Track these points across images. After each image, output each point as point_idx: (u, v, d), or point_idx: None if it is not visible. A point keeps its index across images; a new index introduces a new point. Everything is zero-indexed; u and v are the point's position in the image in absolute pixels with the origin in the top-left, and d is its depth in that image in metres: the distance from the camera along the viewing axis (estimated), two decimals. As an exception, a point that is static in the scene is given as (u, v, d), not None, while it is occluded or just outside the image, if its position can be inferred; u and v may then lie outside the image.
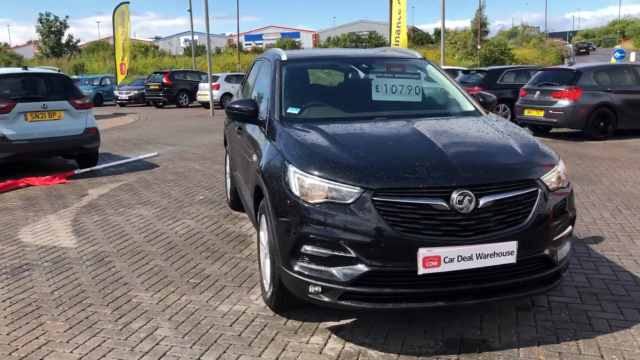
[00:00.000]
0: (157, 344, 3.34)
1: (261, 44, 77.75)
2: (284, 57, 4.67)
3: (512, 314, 3.63)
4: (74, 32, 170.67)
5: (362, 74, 4.73)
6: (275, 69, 4.50)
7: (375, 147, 3.44)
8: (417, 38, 72.61)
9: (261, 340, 3.35)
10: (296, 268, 3.20)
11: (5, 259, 4.93)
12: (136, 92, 28.10)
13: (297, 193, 3.21)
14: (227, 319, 3.64)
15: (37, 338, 3.44)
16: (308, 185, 3.18)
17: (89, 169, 9.17)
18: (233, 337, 3.41)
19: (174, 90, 26.41)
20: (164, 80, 26.23)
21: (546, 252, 3.27)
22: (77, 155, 9.38)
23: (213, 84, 25.54)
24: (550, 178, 3.36)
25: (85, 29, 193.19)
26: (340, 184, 3.11)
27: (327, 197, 3.13)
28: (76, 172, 8.94)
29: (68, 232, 5.70)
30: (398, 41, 20.50)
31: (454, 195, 3.04)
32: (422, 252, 2.98)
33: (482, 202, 3.07)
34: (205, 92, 25.25)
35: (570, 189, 3.54)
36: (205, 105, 25.54)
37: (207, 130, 15.58)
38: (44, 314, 3.79)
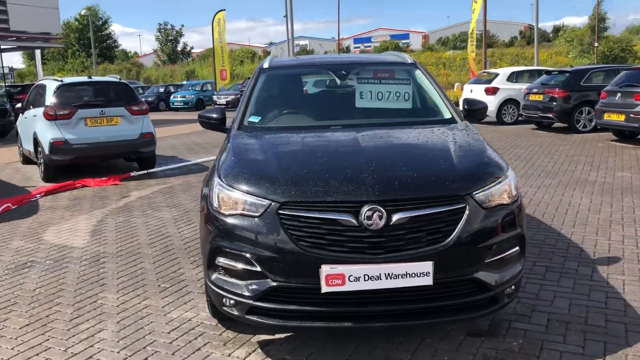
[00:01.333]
0: (91, 346, 3.44)
1: (369, 46, 77.89)
2: (265, 65, 4.65)
3: (458, 339, 3.35)
4: (196, 39, 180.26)
5: (343, 81, 4.59)
6: (253, 77, 4.51)
7: (303, 158, 3.32)
8: (532, 37, 69.15)
9: (187, 350, 3.35)
10: (213, 279, 3.17)
11: (18, 255, 5.32)
12: (233, 97, 29.28)
13: (215, 204, 3.17)
14: (169, 326, 3.67)
15: (-8, 333, 3.68)
16: (225, 197, 3.13)
17: (144, 172, 9.67)
18: (163, 344, 3.44)
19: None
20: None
21: (477, 275, 2.99)
22: (136, 158, 9.93)
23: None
24: (488, 193, 3.07)
25: (208, 36, 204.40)
26: (252, 196, 3.04)
27: (240, 210, 3.07)
28: (132, 174, 9.46)
29: (86, 232, 6.04)
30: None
31: (363, 211, 2.86)
32: (325, 270, 2.83)
33: (394, 218, 2.86)
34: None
35: (518, 205, 3.22)
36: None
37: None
38: (14, 310, 4.03)
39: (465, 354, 3.19)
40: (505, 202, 3.13)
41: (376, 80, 4.47)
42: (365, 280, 2.83)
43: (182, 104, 30.91)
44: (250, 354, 3.28)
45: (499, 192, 3.12)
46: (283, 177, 3.07)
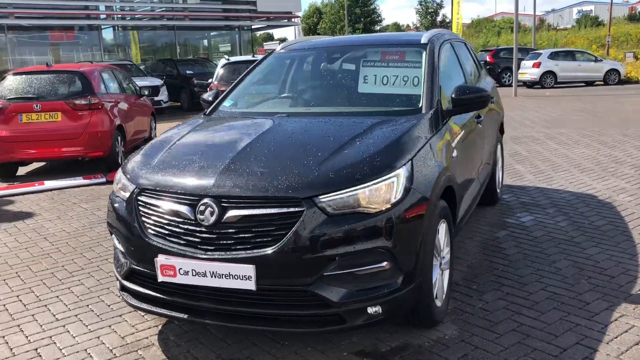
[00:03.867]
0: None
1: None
2: (278, 48, 4.65)
3: (340, 356, 3.06)
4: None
5: (346, 65, 4.33)
6: (259, 62, 4.56)
7: (185, 148, 3.33)
8: None
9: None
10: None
11: None
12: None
13: (114, 185, 3.40)
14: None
15: None
16: (116, 176, 3.36)
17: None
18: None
19: (496, 68, 25.64)
20: (487, 59, 25.69)
21: (312, 288, 2.70)
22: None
23: (534, 61, 24.00)
24: (340, 198, 2.72)
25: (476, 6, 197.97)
26: (126, 180, 3.20)
27: (118, 191, 3.25)
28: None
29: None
30: None
31: (199, 205, 2.82)
32: (160, 259, 2.87)
33: (226, 216, 2.76)
34: (525, 70, 23.85)
35: (398, 214, 2.77)
36: (527, 84, 24.14)
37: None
38: None
39: (324, 370, 2.92)
40: (369, 210, 2.74)
41: (382, 64, 4.15)
42: (192, 275, 2.80)
43: None
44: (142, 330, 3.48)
45: (360, 198, 2.74)
46: (151, 164, 3.17)
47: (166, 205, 2.93)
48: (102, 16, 24.54)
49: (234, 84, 4.39)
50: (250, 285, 2.70)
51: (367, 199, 2.76)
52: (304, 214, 2.69)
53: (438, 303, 3.29)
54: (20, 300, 3.96)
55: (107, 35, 26.89)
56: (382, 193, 2.79)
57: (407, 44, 4.27)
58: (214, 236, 2.78)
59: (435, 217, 3.10)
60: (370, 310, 2.78)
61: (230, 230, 2.76)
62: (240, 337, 3.27)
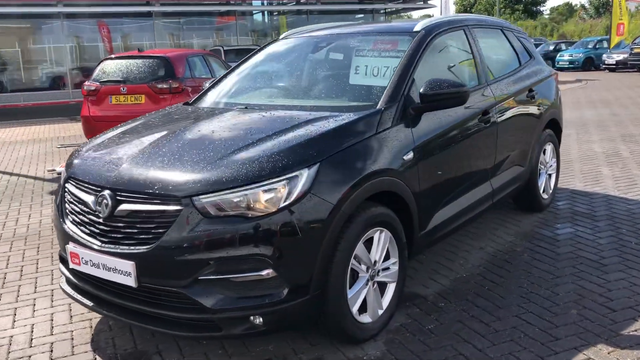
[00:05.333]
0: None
1: None
2: (282, 36, 4.52)
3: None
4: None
5: (334, 54, 4.07)
6: (258, 50, 4.48)
7: (130, 137, 3.32)
8: None
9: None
10: None
11: None
12: (623, 56, 25.41)
13: None
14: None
15: None
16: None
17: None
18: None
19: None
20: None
21: (186, 290, 2.60)
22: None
23: None
24: (220, 199, 2.58)
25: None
26: (64, 167, 3.32)
27: (60, 177, 3.36)
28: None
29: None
30: None
31: (99, 196, 2.84)
32: (70, 247, 2.95)
33: (118, 209, 2.75)
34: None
35: (284, 220, 2.58)
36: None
37: (597, 103, 13.33)
38: None
39: (214, 376, 2.81)
40: (252, 214, 2.58)
41: (371, 54, 3.88)
42: (91, 265, 2.84)
43: (568, 63, 28.47)
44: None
45: (243, 200, 2.58)
46: (82, 153, 3.25)
47: (79, 194, 2.99)
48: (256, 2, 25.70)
49: (225, 72, 4.34)
50: (131, 281, 2.67)
51: (251, 201, 2.58)
52: (181, 213, 2.59)
53: (365, 319, 3.02)
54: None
55: (257, 18, 28.16)
56: (269, 196, 2.60)
57: (398, 32, 3.91)
58: (108, 229, 2.78)
59: (356, 225, 2.83)
60: (251, 320, 2.61)
61: (120, 224, 2.74)
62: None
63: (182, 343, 3.11)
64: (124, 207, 2.73)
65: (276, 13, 29.34)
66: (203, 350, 3.05)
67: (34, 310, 3.61)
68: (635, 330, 3.09)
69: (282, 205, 2.59)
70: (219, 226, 2.55)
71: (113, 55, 9.36)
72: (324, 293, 2.75)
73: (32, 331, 3.35)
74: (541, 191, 5.04)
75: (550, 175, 5.27)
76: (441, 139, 3.50)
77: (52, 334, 3.30)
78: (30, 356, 3.08)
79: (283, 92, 3.88)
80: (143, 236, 2.66)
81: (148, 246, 2.62)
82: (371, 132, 3.05)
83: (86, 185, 2.95)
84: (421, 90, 3.30)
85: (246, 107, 3.59)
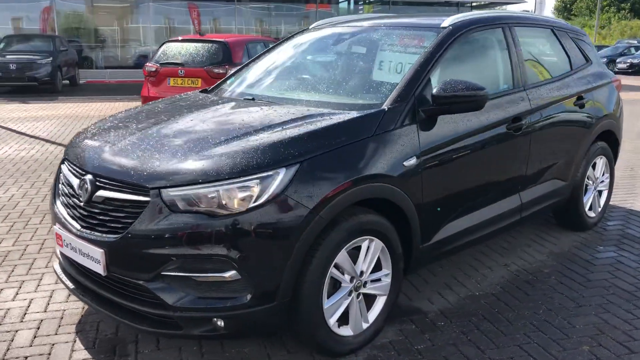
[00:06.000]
0: None
1: None
2: (312, 26, 4.36)
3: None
4: None
5: (356, 48, 3.87)
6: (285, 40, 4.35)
7: (127, 123, 3.26)
8: None
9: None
10: None
11: None
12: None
13: None
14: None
15: None
16: None
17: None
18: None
19: None
20: None
21: (149, 284, 2.53)
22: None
23: None
24: (188, 194, 2.48)
25: None
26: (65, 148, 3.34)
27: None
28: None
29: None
30: None
31: (82, 180, 2.81)
32: (55, 228, 2.96)
33: (95, 195, 2.71)
34: None
35: (252, 221, 2.44)
36: None
37: None
38: None
39: None
40: (218, 212, 2.46)
41: (396, 49, 3.67)
42: (70, 249, 2.84)
43: (627, 66, 26.58)
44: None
45: (211, 196, 2.46)
46: (80, 136, 3.24)
47: (68, 176, 2.99)
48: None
49: (248, 61, 4.24)
50: (100, 269, 2.63)
51: (220, 199, 2.46)
52: (149, 205, 2.51)
53: (346, 331, 2.84)
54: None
55: (343, 6, 28.06)
56: (239, 195, 2.47)
57: (425, 27, 3.64)
58: (86, 213, 2.75)
59: (338, 233, 2.65)
60: (213, 322, 2.50)
61: (95, 211, 2.70)
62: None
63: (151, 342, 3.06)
64: (100, 193, 2.68)
65: (361, 2, 29.09)
66: (178, 345, 2.98)
67: (38, 286, 3.67)
68: (650, 378, 2.73)
69: (251, 205, 2.45)
70: (184, 222, 2.45)
71: (175, 38, 9.52)
72: (295, 301, 2.59)
73: (28, 306, 3.40)
74: (586, 208, 4.61)
75: (600, 192, 4.82)
76: (455, 146, 3.23)
77: (45, 312, 3.34)
78: (16, 331, 3.13)
79: (296, 85, 3.72)
80: (114, 225, 2.61)
81: (117, 235, 2.56)
82: (368, 133, 2.84)
83: (75, 168, 2.94)
84: (434, 91, 3.04)
85: (253, 99, 3.47)
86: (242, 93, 3.72)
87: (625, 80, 20.27)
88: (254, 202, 2.46)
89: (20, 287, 3.64)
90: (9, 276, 3.80)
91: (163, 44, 9.06)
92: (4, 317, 3.28)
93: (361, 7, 29.31)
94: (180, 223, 2.45)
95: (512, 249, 4.33)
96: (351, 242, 2.75)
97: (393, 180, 2.88)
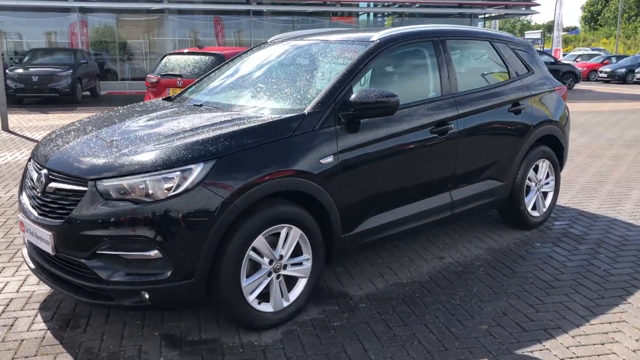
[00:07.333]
0: None
1: None
2: (269, 40, 4.81)
3: (146, 335, 3.25)
4: None
5: (300, 59, 4.29)
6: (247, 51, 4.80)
7: (88, 125, 3.73)
8: None
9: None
10: None
11: None
12: None
13: None
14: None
15: None
16: None
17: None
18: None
19: None
20: None
21: (86, 261, 2.97)
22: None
23: None
24: (118, 184, 2.92)
25: None
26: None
27: None
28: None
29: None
30: None
31: (39, 174, 3.28)
32: (19, 216, 3.43)
33: (48, 186, 3.18)
34: None
35: (172, 208, 2.87)
36: None
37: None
38: None
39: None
40: (144, 199, 2.89)
41: (331, 60, 4.08)
42: (29, 233, 3.30)
43: None
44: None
45: (138, 186, 2.90)
46: (48, 135, 3.73)
47: (31, 171, 3.47)
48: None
49: (210, 71, 4.69)
50: (49, 249, 3.08)
51: (145, 188, 2.89)
52: (86, 193, 2.96)
53: (266, 308, 3.24)
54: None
55: (363, 18, 28.60)
56: (162, 185, 2.89)
57: (357, 41, 4.03)
58: (42, 202, 3.21)
59: (255, 220, 3.06)
60: (141, 294, 2.93)
61: (47, 199, 3.16)
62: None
63: (111, 311, 3.49)
64: (52, 184, 3.15)
65: (380, 15, 29.55)
66: (124, 320, 3.41)
67: (16, 271, 4.15)
68: (531, 352, 3.06)
69: (171, 194, 2.88)
70: (113, 208, 2.89)
71: (174, 51, 10.08)
72: (215, 278, 3.00)
73: (3, 288, 3.88)
74: (529, 208, 4.92)
75: (545, 193, 5.12)
76: (375, 146, 3.60)
77: (17, 292, 3.81)
78: (-12, 308, 3.60)
79: (241, 93, 4.14)
80: (60, 211, 3.06)
81: (61, 220, 3.02)
82: (287, 134, 3.25)
83: (36, 164, 3.41)
84: (350, 98, 3.44)
85: (201, 105, 3.92)
86: (194, 100, 4.17)
87: None
88: (174, 191, 2.89)
89: (0, 272, 4.13)
90: (-7, 263, 4.29)
91: (164, 56, 9.62)
92: (-18, 296, 3.76)
93: (380, 19, 29.77)
94: (111, 209, 2.89)
95: (454, 244, 4.67)
96: (269, 229, 3.15)
97: (310, 176, 3.27)
